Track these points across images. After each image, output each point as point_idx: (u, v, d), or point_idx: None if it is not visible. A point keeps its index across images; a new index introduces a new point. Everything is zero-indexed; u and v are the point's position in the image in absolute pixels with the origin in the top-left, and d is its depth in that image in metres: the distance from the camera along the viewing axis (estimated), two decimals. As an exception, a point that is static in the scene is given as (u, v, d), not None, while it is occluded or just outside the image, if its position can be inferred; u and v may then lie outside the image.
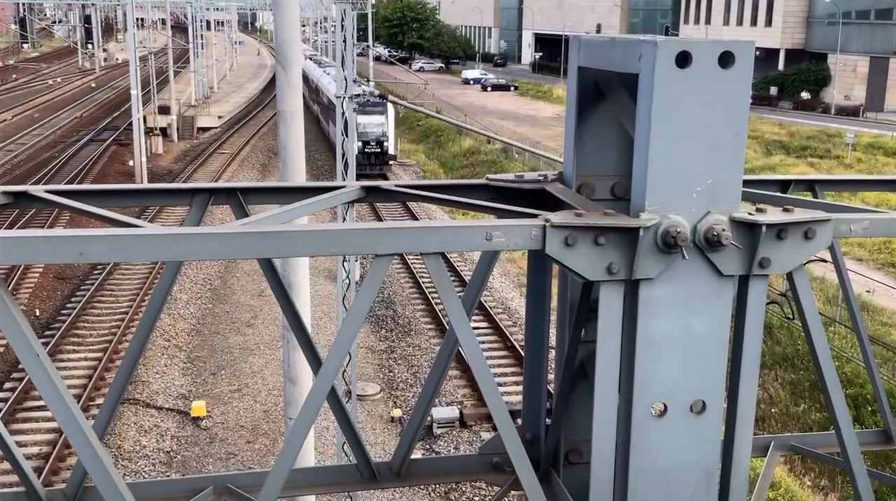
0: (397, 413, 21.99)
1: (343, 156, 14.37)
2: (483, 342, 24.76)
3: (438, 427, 21.43)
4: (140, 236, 2.37)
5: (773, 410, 23.35)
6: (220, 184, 3.24)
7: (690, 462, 3.08)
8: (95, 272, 30.19)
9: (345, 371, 14.14)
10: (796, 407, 23.26)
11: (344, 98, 14.64)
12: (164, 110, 58.20)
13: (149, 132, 52.19)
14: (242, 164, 52.01)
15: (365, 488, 3.40)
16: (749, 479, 3.28)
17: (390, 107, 46.65)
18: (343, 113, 14.47)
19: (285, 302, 3.26)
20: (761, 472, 4.02)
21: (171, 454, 20.03)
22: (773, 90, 79.52)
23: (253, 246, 2.42)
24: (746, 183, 3.20)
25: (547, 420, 3.80)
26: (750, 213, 2.95)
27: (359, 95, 15.82)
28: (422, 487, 18.03)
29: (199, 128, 62.49)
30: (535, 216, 2.84)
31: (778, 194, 3.88)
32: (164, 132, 56.69)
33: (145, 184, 3.33)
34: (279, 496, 2.83)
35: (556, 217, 2.79)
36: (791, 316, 4.56)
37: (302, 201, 2.95)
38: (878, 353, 24.25)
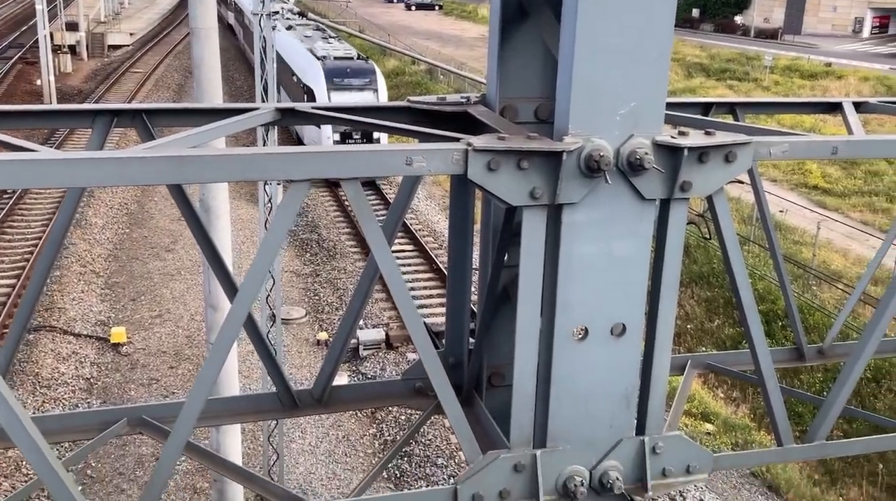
0: (323, 336, 22.01)
1: (262, 78, 13.92)
2: (408, 265, 24.81)
3: (365, 350, 21.54)
4: (30, 162, 2.21)
5: (688, 326, 24.14)
6: (124, 104, 3.06)
7: (610, 384, 3.12)
8: (5, 197, 29.04)
9: (269, 295, 14.00)
10: (711, 323, 24.09)
11: (262, 15, 14.11)
12: (73, 27, 55.40)
13: (56, 50, 49.71)
14: (157, 85, 50.17)
15: (286, 416, 3.36)
16: (666, 395, 3.34)
17: (380, 76, 31.36)
18: (262, 32, 13.97)
19: (197, 229, 3.13)
20: (678, 390, 4.11)
21: (92, 381, 19.71)
22: (695, 12, 80.00)
23: (157, 171, 2.29)
24: (669, 105, 3.17)
25: (470, 343, 3.80)
26: (672, 137, 2.94)
27: (277, 12, 15.25)
28: (348, 408, 18.16)
29: (110, 46, 59.77)
30: (456, 140, 2.76)
31: (699, 117, 3.87)
32: (72, 50, 54.07)
33: (41, 106, 3.12)
34: (196, 426, 2.76)
35: (479, 141, 2.72)
36: (708, 236, 4.61)
37: (213, 124, 2.81)
38: (789, 271, 25.20)
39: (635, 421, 3.23)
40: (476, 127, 3.32)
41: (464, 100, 3.45)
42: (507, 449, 3.05)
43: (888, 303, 3.71)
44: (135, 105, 3.05)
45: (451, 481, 3.02)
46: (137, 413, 3.23)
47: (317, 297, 24.76)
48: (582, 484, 3.09)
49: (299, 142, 33.34)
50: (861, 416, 4.14)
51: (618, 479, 3.15)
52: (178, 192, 2.96)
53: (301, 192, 2.46)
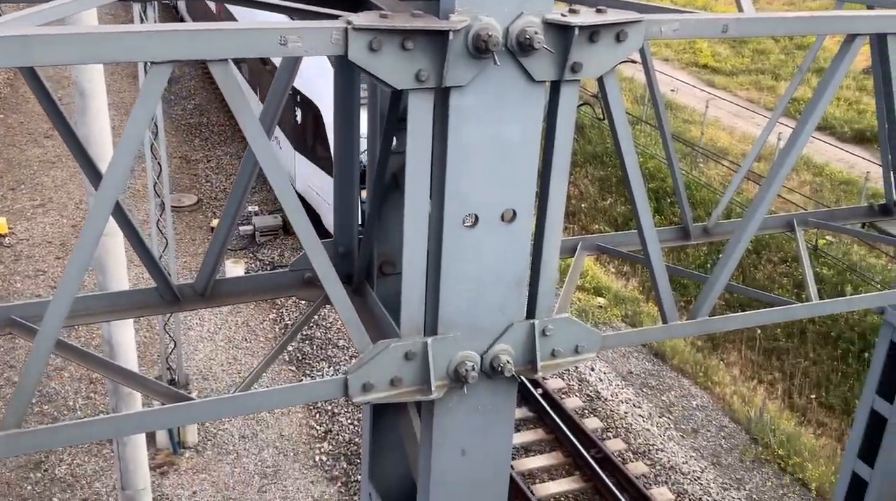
0: (216, 222, 21.56)
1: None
2: (302, 149, 24.29)
3: (262, 236, 21.24)
4: None
5: (582, 205, 24.66)
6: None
7: (501, 269, 3.09)
8: None
9: (156, 183, 13.49)
10: (604, 201, 24.65)
11: None
12: None
13: None
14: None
15: (167, 311, 3.23)
16: (557, 278, 3.36)
17: None
18: None
19: (54, 113, 2.88)
20: (569, 272, 4.15)
21: (-27, 274, 18.89)
22: None
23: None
24: (560, -19, 3.05)
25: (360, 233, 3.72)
26: (563, 15, 2.83)
27: None
28: (246, 295, 17.99)
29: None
30: (335, 17, 2.58)
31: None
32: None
33: None
34: (68, 324, 2.62)
35: (359, 18, 2.55)
36: (602, 117, 4.55)
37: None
38: (678, 149, 25.82)
39: (526, 305, 3.24)
40: (359, 5, 3.13)
41: (346, -26, 3.23)
42: (397, 338, 3.02)
43: (771, 182, 3.78)
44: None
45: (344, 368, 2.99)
46: (6, 313, 3.04)
47: (209, 183, 24.12)
48: (473, 369, 3.11)
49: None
50: (740, 291, 4.29)
51: (508, 362, 3.18)
52: (29, 75, 2.70)
53: (163, 75, 2.27)
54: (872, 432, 5.23)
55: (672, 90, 30.00)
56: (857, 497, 5.31)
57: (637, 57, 4.13)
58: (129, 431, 2.78)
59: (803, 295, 4.15)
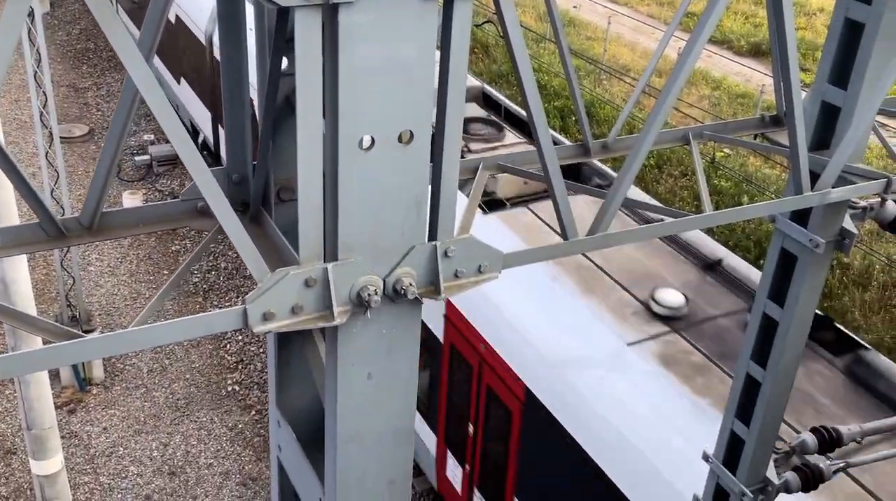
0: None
1: None
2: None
3: (159, 166, 20.59)
4: None
5: (488, 125, 24.64)
6: None
7: (400, 191, 3.05)
8: None
9: (42, 113, 12.83)
10: (509, 121, 24.67)
11: None
12: None
13: None
14: None
15: (52, 247, 3.09)
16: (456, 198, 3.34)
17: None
18: None
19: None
20: (470, 193, 4.14)
21: None
22: None
23: None
24: None
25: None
26: (455, -75, 2.73)
27: None
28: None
29: None
30: (213, -71, 2.44)
31: None
32: None
33: None
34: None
35: (238, -69, 2.41)
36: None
37: None
38: (581, 67, 25.95)
39: (427, 227, 3.22)
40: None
41: None
42: (296, 265, 2.97)
43: (666, 96, 3.81)
44: None
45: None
46: None
47: (99, 113, 23.12)
48: (376, 293, 3.08)
49: None
50: (635, 205, 4.36)
51: (411, 285, 3.17)
52: None
53: (24, -5, 2.09)
54: (763, 335, 5.47)
55: (574, 7, 29.98)
56: (751, 396, 5.58)
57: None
58: (21, 370, 2.67)
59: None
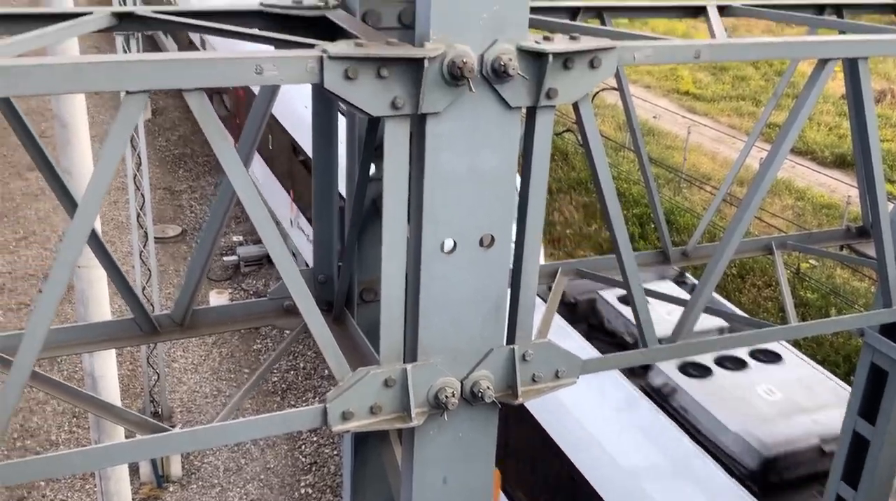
0: (201, 253, 21.48)
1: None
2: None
3: (246, 266, 21.19)
4: None
5: (567, 231, 24.72)
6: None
7: (480, 295, 3.10)
8: None
9: (139, 214, 13.46)
10: (589, 227, 24.72)
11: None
12: None
13: None
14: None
15: (145, 342, 3.21)
16: (535, 303, 3.36)
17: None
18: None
19: (30, 144, 2.87)
20: (549, 297, 4.16)
21: (-45, 309, 18.73)
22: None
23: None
24: (535, 10, 3.09)
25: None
26: (537, 42, 2.86)
27: None
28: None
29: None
30: (311, 47, 2.60)
31: (566, 21, 3.81)
32: None
33: None
34: (43, 357, 2.60)
35: (335, 47, 2.57)
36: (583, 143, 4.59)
37: (37, 30, 2.54)
38: (661, 175, 26.01)
39: (505, 331, 3.24)
40: (336, 33, 3.15)
41: (322, 4, 3.26)
42: (377, 365, 3.01)
43: (748, 205, 3.81)
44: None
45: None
46: (-20, 346, 3.01)
47: (193, 214, 24.07)
48: (453, 395, 3.10)
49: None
50: (718, 314, 4.31)
51: (489, 388, 3.17)
52: (5, 107, 2.69)
53: (138, 104, 2.27)
54: (855, 454, 5.24)
55: (654, 117, 30.27)
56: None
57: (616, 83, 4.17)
58: (104, 463, 2.75)
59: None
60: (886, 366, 4.97)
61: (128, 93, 2.24)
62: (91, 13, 2.74)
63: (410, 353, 3.07)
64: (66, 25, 2.63)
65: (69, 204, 2.93)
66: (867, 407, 5.16)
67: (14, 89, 2.11)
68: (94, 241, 2.94)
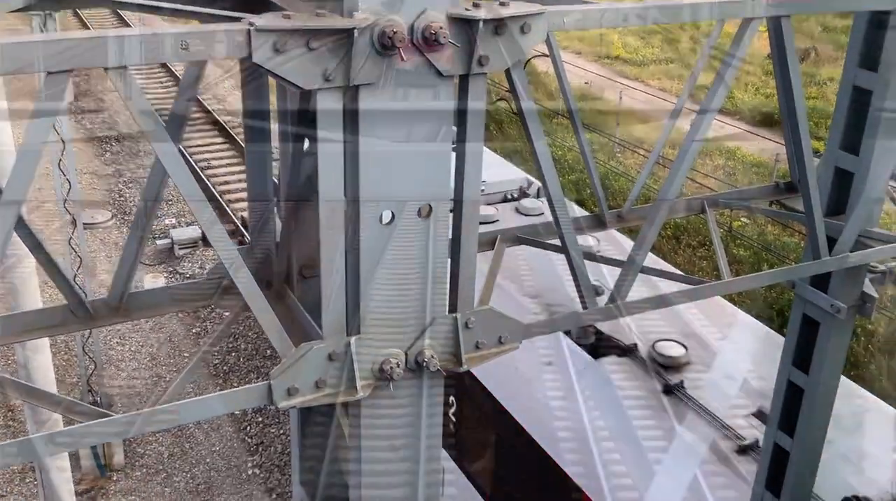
0: (134, 237, 21.03)
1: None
2: (219, 155, 23.92)
3: (181, 249, 20.82)
4: None
5: (504, 201, 24.83)
6: None
7: (420, 265, 3.10)
8: None
9: (66, 200, 13.10)
10: (525, 196, 24.85)
11: None
12: None
13: None
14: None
15: (82, 328, 3.14)
16: (476, 271, 3.38)
17: None
18: None
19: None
20: (489, 265, 4.18)
21: None
22: None
23: None
24: (463, -24, 3.06)
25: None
26: (466, 9, 2.85)
27: None
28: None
29: None
30: (237, 20, 2.55)
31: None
32: None
33: None
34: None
35: (261, 20, 2.53)
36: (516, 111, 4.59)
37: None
38: (595, 140, 26.26)
39: (447, 300, 3.26)
40: (264, 6, 3.09)
41: (247, -24, 3.19)
42: (320, 340, 3.00)
43: (679, 166, 3.88)
44: None
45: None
46: None
47: (122, 198, 23.54)
48: (398, 366, 3.11)
49: None
50: (653, 274, 4.39)
51: (433, 357, 3.19)
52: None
53: (60, 85, 2.20)
54: (791, 403, 5.41)
55: (586, 82, 30.47)
56: (780, 466, 5.49)
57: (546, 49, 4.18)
58: (44, 452, 2.69)
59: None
60: (818, 317, 5.13)
61: (48, 73, 2.17)
62: (4, -9, 2.64)
63: (353, 326, 3.07)
64: (-22, 4, 2.53)
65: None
66: (800, 357, 5.32)
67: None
68: (22, 227, 2.85)
